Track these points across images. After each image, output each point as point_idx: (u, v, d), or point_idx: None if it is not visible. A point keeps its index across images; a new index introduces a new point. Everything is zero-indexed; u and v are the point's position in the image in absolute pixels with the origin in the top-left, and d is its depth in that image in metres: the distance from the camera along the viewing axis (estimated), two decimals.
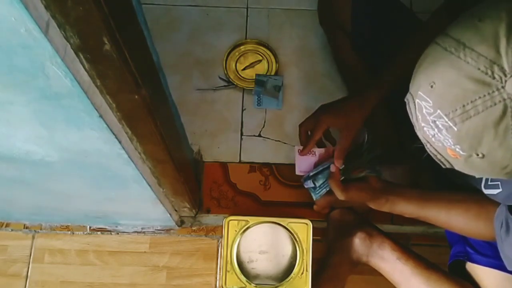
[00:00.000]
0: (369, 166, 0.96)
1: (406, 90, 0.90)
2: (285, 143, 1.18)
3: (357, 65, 1.12)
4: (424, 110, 0.53)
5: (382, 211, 0.94)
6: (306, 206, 1.09)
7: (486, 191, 0.74)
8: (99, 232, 1.16)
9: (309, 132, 0.97)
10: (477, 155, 0.51)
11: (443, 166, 0.57)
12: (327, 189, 0.97)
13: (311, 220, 1.06)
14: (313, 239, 1.05)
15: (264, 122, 1.20)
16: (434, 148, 0.56)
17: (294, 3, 1.31)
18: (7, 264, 1.14)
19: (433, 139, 0.54)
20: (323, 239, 1.08)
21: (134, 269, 1.13)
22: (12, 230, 1.17)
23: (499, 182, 0.70)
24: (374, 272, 0.97)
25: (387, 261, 0.94)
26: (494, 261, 0.82)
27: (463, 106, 0.49)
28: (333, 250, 1.02)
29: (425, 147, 0.57)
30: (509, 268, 0.73)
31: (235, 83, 1.21)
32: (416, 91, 0.54)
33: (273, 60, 1.23)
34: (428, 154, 0.58)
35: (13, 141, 0.63)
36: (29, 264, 1.14)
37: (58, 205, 1.00)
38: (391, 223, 1.11)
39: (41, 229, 1.16)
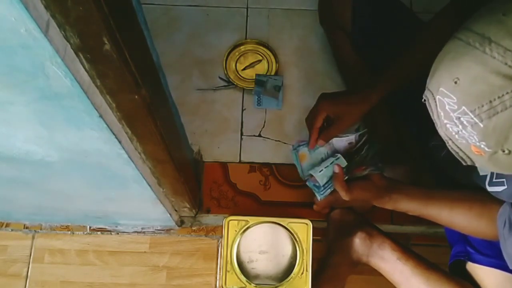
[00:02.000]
0: (371, 163, 0.97)
1: (407, 89, 0.90)
2: (285, 143, 1.18)
3: (357, 65, 1.11)
4: (447, 107, 0.52)
5: (383, 210, 0.95)
6: (306, 206, 1.09)
7: (490, 189, 0.74)
8: (99, 232, 1.16)
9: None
10: (503, 151, 0.50)
11: (464, 163, 0.56)
12: (332, 189, 0.97)
13: (311, 220, 1.06)
14: (313, 239, 1.05)
15: (264, 122, 1.20)
16: (456, 145, 0.55)
17: (294, 3, 1.31)
18: (7, 264, 1.14)
19: (456, 136, 0.53)
20: (323, 239, 1.08)
21: (134, 269, 1.13)
22: (12, 230, 1.17)
23: (504, 179, 0.70)
24: (374, 272, 0.97)
25: (387, 261, 0.94)
26: (495, 260, 0.82)
27: (490, 102, 0.48)
28: (333, 250, 1.02)
29: (446, 144, 0.56)
30: (511, 267, 0.72)
31: (235, 83, 1.21)
32: (436, 88, 0.53)
33: (273, 60, 1.23)
34: (447, 152, 0.57)
35: (13, 141, 0.63)
36: (29, 264, 1.14)
37: (58, 205, 1.00)
38: (391, 223, 1.11)
39: (41, 229, 1.16)
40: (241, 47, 1.25)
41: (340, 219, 1.04)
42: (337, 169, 0.93)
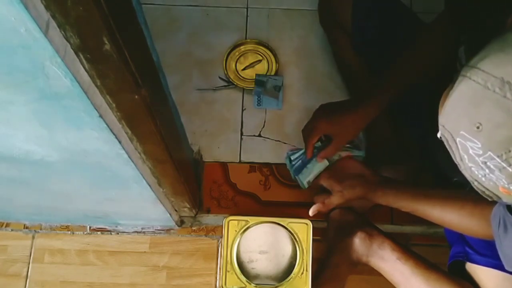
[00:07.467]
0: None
1: (407, 92, 0.90)
2: (285, 143, 1.18)
3: (357, 65, 1.11)
4: (471, 151, 0.50)
5: (383, 210, 0.95)
6: (306, 206, 1.08)
7: None
8: (99, 232, 1.16)
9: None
10: None
11: (489, 199, 0.55)
12: (309, 174, 1.00)
13: (311, 220, 1.06)
14: (313, 239, 1.05)
15: (264, 122, 1.20)
16: (483, 186, 0.53)
17: (294, 3, 1.31)
18: (7, 264, 1.14)
19: (483, 178, 0.51)
20: (323, 239, 1.08)
21: (134, 269, 1.13)
22: (12, 230, 1.17)
23: None
24: (374, 272, 0.97)
25: (387, 261, 0.94)
26: (494, 261, 0.82)
27: None
28: (333, 250, 1.02)
29: (472, 184, 0.55)
30: (507, 268, 0.72)
31: (235, 83, 1.21)
32: (456, 130, 0.51)
33: (273, 60, 1.23)
34: (471, 187, 0.56)
35: (13, 141, 0.63)
36: (29, 264, 1.14)
37: (58, 205, 1.00)
38: (391, 223, 1.11)
39: (41, 229, 1.16)
40: (241, 47, 1.25)
41: (340, 219, 1.04)
42: (317, 201, 0.98)
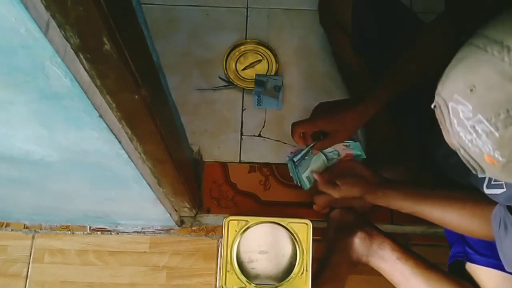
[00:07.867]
0: None
1: (407, 92, 0.90)
2: (285, 143, 1.18)
3: (357, 65, 1.12)
4: (461, 115, 0.51)
5: (383, 210, 0.95)
6: (306, 206, 1.09)
7: (488, 191, 0.73)
8: (99, 232, 1.16)
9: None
10: None
11: (474, 172, 0.55)
12: (308, 172, 1.02)
13: (311, 220, 1.06)
14: (313, 239, 1.05)
15: (264, 122, 1.20)
16: (468, 154, 0.53)
17: (294, 3, 1.31)
18: (7, 264, 1.14)
19: (469, 144, 0.52)
20: (323, 239, 1.08)
21: (134, 269, 1.13)
22: (12, 230, 1.17)
23: (503, 182, 0.69)
24: (374, 272, 0.97)
25: (387, 261, 0.94)
26: (494, 261, 0.82)
27: (507, 111, 0.47)
28: (333, 250, 1.02)
29: (458, 152, 0.55)
30: (507, 269, 0.72)
31: (235, 83, 1.22)
32: (450, 95, 0.52)
33: (273, 60, 1.23)
34: (455, 162, 0.56)
35: (13, 141, 0.63)
36: (29, 264, 1.14)
37: (58, 205, 1.00)
38: (391, 223, 1.11)
39: (41, 229, 1.16)
40: (241, 47, 1.25)
41: (340, 219, 1.04)
42: (317, 177, 0.98)
